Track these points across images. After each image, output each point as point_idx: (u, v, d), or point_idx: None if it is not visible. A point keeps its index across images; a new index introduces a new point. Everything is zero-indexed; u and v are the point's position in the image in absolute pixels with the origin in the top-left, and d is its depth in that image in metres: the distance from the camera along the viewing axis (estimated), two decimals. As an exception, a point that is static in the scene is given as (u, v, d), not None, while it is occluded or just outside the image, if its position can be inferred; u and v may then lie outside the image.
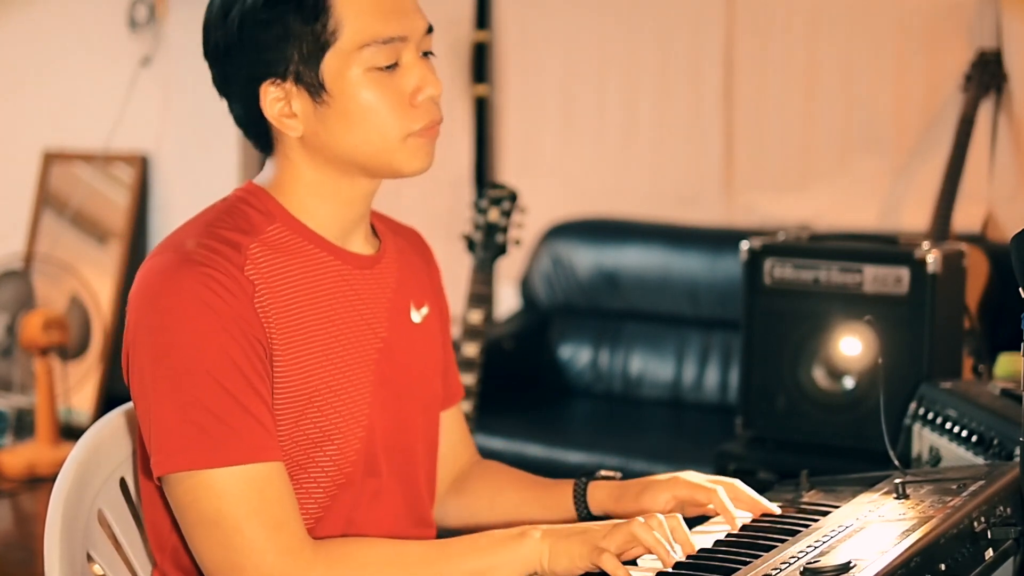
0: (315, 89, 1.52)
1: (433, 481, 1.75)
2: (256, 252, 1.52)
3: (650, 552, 1.45)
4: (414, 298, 1.69)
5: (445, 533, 1.78)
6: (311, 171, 1.57)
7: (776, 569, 1.38)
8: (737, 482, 1.69)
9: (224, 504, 1.43)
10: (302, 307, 1.54)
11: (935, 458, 2.11)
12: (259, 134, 1.59)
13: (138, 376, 1.47)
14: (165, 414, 1.44)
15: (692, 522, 1.66)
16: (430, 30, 1.57)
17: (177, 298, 1.45)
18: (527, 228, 3.48)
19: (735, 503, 1.67)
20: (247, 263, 1.50)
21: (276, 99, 1.53)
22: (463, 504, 1.83)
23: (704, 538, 1.57)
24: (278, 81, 1.52)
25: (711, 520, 1.67)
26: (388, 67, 1.53)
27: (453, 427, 1.84)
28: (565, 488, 1.77)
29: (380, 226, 1.71)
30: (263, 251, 1.53)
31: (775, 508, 1.66)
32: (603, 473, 1.78)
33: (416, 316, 1.69)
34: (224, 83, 1.58)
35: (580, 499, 1.74)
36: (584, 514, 1.74)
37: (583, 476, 1.77)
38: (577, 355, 4.28)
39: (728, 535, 1.57)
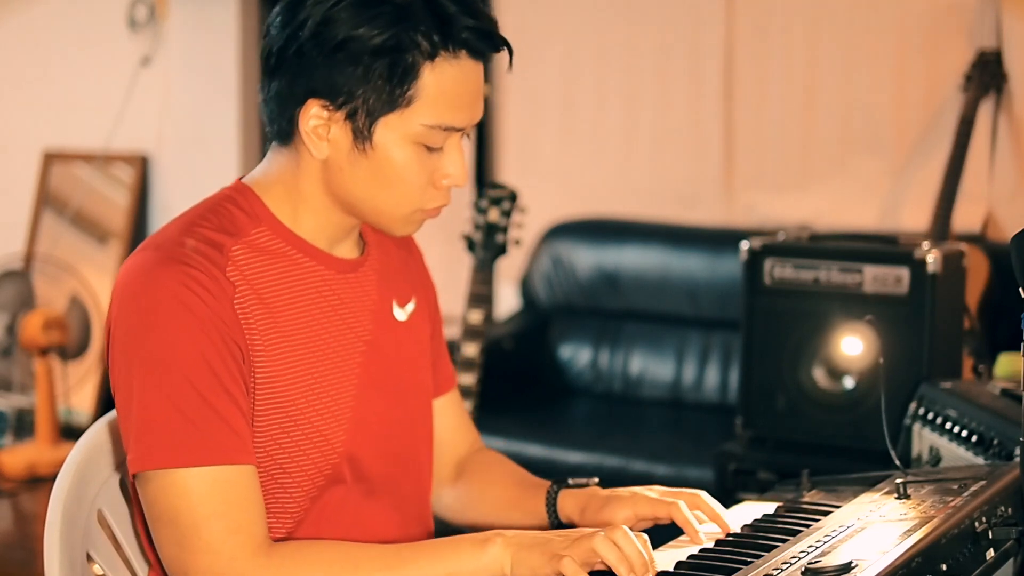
0: (362, 136, 1.51)
1: (431, 475, 1.75)
2: (239, 254, 1.52)
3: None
4: (398, 296, 1.69)
5: (441, 524, 1.79)
6: (312, 188, 1.57)
7: (777, 569, 1.37)
8: (701, 493, 1.65)
9: (185, 504, 1.43)
10: (283, 312, 1.53)
11: (935, 458, 2.11)
12: (283, 127, 1.56)
13: (114, 373, 1.48)
14: (137, 413, 1.45)
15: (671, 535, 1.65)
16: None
17: (155, 297, 1.45)
18: (527, 228, 3.48)
19: (698, 512, 1.63)
20: (229, 264, 1.50)
21: (317, 116, 1.52)
22: (459, 494, 1.84)
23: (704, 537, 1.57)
24: (329, 106, 1.51)
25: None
26: (434, 149, 1.54)
27: (449, 414, 1.84)
28: (542, 493, 1.75)
29: (363, 225, 1.70)
30: (246, 253, 1.53)
31: (734, 527, 1.61)
32: (575, 481, 1.75)
33: (401, 314, 1.69)
34: (274, 70, 1.54)
35: (551, 506, 1.73)
36: (554, 520, 1.73)
37: (555, 483, 1.75)
38: (577, 355, 4.28)
39: (729, 535, 1.57)
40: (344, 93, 1.50)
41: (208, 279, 1.46)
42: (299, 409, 1.54)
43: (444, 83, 1.51)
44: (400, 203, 1.55)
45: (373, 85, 1.49)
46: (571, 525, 1.72)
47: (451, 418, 1.85)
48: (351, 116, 1.51)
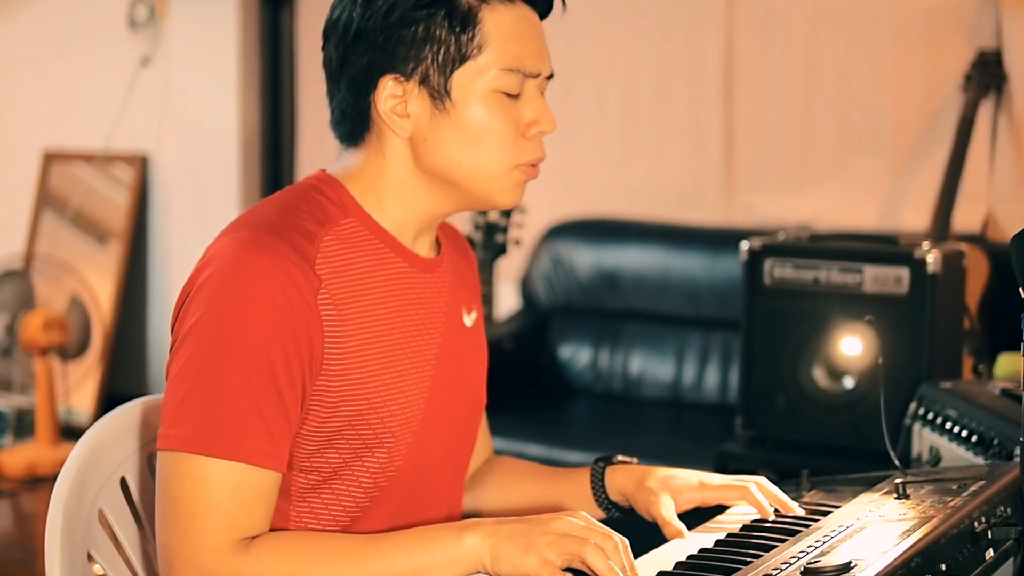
0: (439, 96, 1.51)
1: (466, 472, 1.74)
2: (329, 244, 1.50)
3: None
4: (466, 303, 1.68)
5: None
6: (402, 173, 1.55)
7: (776, 569, 1.38)
8: (763, 480, 1.69)
9: (195, 490, 1.41)
10: (366, 305, 1.51)
11: (935, 458, 2.11)
12: (356, 124, 1.55)
13: (177, 342, 1.46)
14: (186, 391, 1.42)
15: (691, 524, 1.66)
16: (550, 77, 1.58)
17: (240, 282, 1.42)
18: (527, 228, 3.49)
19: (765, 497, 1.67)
20: (319, 256, 1.48)
21: (393, 95, 1.51)
22: (475, 497, 1.82)
23: (704, 538, 1.57)
24: (401, 79, 1.50)
25: (713, 519, 1.67)
26: (513, 95, 1.53)
27: (482, 426, 1.84)
28: (581, 475, 1.77)
29: (439, 227, 1.68)
30: (336, 244, 1.50)
31: (798, 509, 1.65)
32: (620, 458, 1.77)
33: (468, 320, 1.68)
34: (340, 65, 1.53)
35: (598, 483, 1.74)
36: (602, 498, 1.74)
37: (600, 461, 1.77)
38: (577, 355, 4.28)
39: (728, 535, 1.57)
40: (412, 59, 1.49)
41: (297, 271, 1.44)
42: (374, 408, 1.51)
43: (506, 24, 1.51)
44: (494, 159, 1.54)
45: (438, 40, 1.49)
46: (622, 503, 1.73)
47: (482, 430, 1.84)
48: (424, 81, 1.50)
